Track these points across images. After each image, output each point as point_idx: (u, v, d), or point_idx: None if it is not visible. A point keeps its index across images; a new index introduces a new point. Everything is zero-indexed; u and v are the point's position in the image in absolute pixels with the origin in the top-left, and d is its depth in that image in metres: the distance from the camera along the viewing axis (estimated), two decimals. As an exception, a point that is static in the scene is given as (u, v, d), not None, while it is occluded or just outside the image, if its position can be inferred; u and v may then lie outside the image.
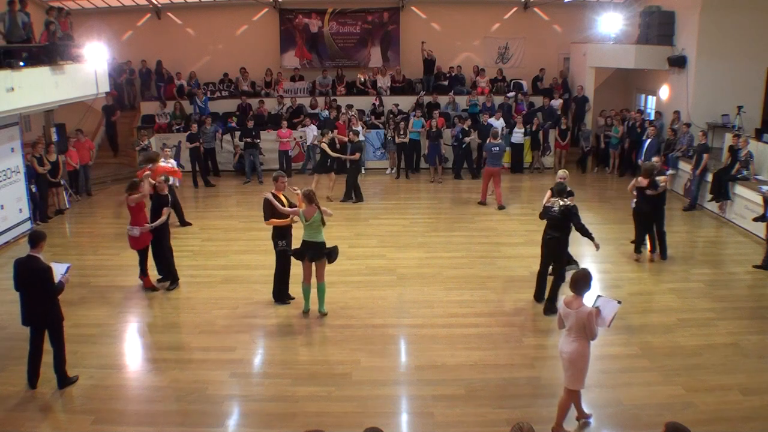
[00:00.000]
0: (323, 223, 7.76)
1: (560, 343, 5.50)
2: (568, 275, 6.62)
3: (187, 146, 15.24)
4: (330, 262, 7.91)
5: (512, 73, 18.55)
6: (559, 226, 7.94)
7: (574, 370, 5.34)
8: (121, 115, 17.69)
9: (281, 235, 8.07)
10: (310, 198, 7.65)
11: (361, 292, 8.72)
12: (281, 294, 8.34)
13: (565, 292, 7.98)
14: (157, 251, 8.94)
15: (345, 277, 9.21)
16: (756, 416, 5.81)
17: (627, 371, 6.61)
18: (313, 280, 7.92)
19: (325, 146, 13.30)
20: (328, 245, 7.87)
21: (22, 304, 6.14)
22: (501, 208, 12.83)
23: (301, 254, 7.84)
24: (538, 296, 8.36)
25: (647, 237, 9.81)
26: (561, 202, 7.90)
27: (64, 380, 6.32)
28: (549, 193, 8.58)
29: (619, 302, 5.55)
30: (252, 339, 7.48)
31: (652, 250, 9.84)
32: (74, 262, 10.16)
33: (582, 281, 5.30)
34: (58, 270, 6.28)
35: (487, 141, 13.15)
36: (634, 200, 9.77)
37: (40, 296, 6.07)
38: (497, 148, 12.83)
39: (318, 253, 7.78)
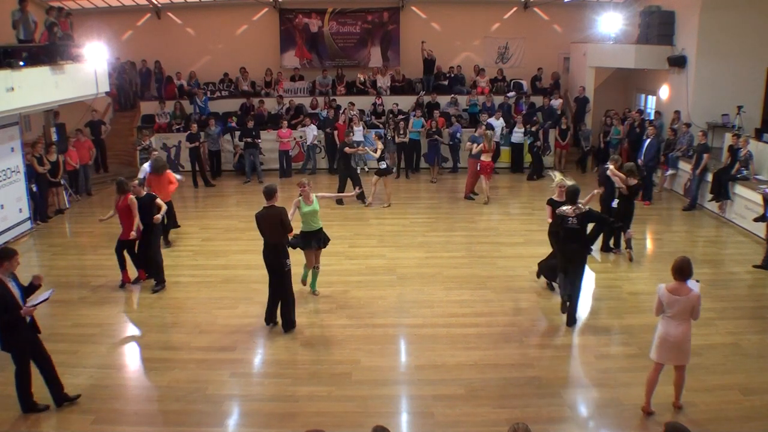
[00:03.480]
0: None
1: (663, 328, 5.60)
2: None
3: (186, 146, 15.25)
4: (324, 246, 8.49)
5: (512, 73, 18.55)
6: (579, 236, 7.43)
7: (683, 349, 5.58)
8: (121, 115, 17.73)
9: (286, 252, 7.51)
10: (302, 184, 8.14)
11: (361, 292, 8.72)
12: (272, 315, 7.72)
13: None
14: (145, 252, 8.98)
15: (345, 277, 9.22)
16: (756, 416, 5.81)
17: (627, 371, 6.60)
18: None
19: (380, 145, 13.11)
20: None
21: None
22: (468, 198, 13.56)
23: (307, 243, 8.23)
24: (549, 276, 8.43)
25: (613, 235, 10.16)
26: (579, 208, 7.34)
27: (25, 406, 5.92)
28: (549, 208, 8.27)
29: (698, 281, 5.69)
30: (252, 339, 7.48)
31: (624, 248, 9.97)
32: (74, 262, 10.28)
33: (687, 269, 5.47)
34: (38, 300, 5.90)
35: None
36: (616, 200, 9.87)
37: None
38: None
39: (322, 239, 8.36)
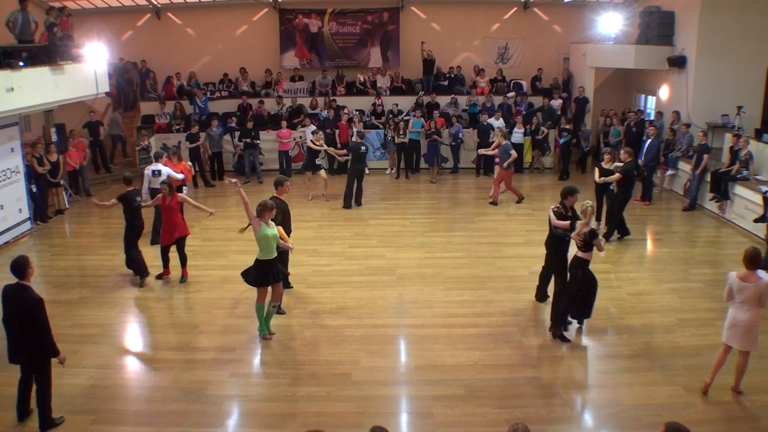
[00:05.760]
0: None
1: (733, 313, 5.97)
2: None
3: (186, 146, 15.23)
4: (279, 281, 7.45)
5: (512, 73, 18.55)
6: (550, 232, 7.76)
7: (750, 335, 5.92)
8: (121, 116, 17.70)
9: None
10: (260, 210, 7.26)
11: (361, 292, 8.72)
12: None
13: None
14: (128, 250, 9.16)
15: (345, 277, 9.22)
16: (756, 416, 5.82)
17: (627, 371, 6.61)
18: (269, 298, 7.43)
19: (311, 144, 13.46)
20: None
21: (8, 338, 5.54)
22: (493, 203, 13.37)
23: (261, 279, 7.28)
24: (539, 296, 8.28)
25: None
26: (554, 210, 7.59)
27: (47, 422, 5.69)
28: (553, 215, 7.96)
29: None
30: (252, 339, 7.48)
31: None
32: (74, 263, 10.29)
33: (757, 258, 5.88)
34: None
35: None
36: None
37: (29, 331, 5.46)
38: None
39: (277, 273, 7.35)
